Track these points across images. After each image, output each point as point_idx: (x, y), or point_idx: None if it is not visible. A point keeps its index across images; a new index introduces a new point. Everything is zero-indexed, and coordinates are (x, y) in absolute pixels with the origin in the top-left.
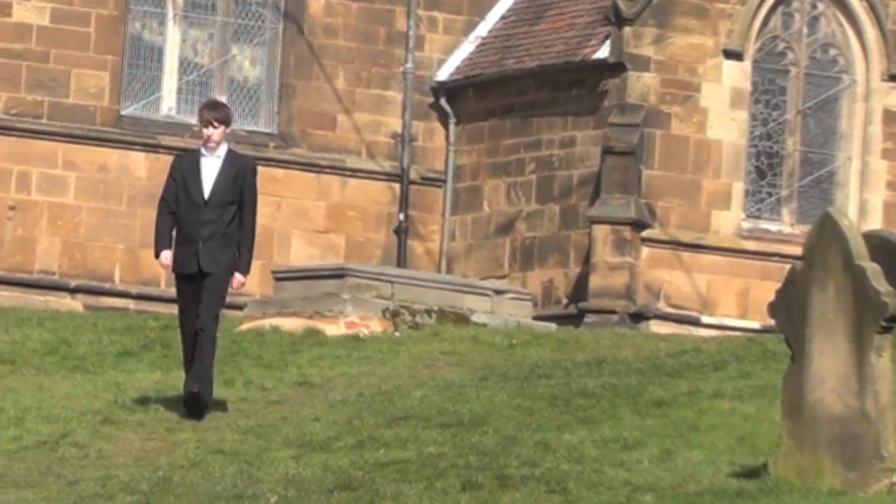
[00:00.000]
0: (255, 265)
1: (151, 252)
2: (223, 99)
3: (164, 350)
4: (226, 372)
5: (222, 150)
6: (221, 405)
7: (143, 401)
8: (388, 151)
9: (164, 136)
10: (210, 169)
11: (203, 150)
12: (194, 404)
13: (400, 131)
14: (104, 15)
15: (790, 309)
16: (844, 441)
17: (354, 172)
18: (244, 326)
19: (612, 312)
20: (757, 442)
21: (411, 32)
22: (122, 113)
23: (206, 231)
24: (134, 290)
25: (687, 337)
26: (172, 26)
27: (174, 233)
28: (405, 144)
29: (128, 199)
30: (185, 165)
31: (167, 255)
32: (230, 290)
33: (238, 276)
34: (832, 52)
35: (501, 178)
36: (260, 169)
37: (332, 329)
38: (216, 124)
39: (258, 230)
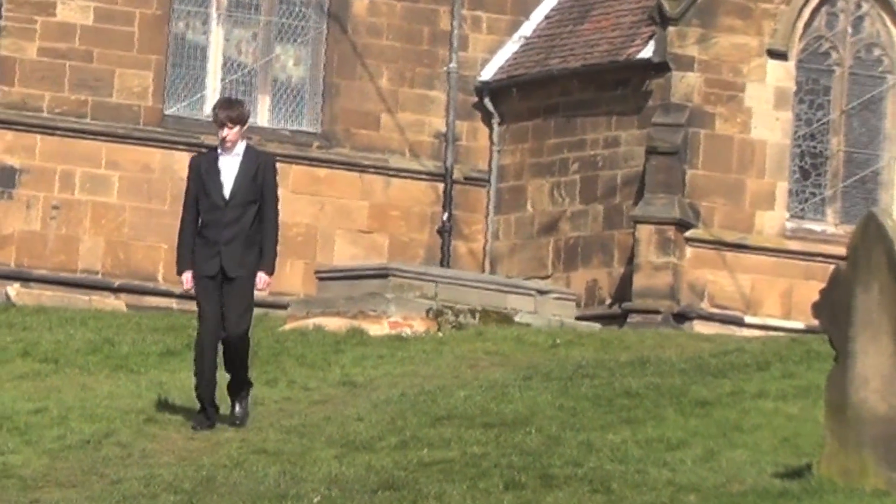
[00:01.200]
0: (299, 265)
1: None
2: (266, 98)
3: None
4: (269, 371)
5: (240, 147)
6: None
7: (187, 400)
8: (432, 151)
9: (208, 135)
10: (229, 168)
11: (220, 150)
12: (231, 420)
13: (444, 131)
14: (148, 14)
15: (834, 309)
16: (888, 441)
17: (398, 172)
18: (287, 326)
19: (656, 312)
20: (801, 442)
21: (455, 32)
22: (166, 112)
23: (229, 233)
24: (177, 289)
25: (730, 337)
26: (216, 26)
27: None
28: (449, 144)
29: (171, 198)
30: (203, 166)
31: (188, 278)
32: (256, 290)
33: (262, 276)
34: (876, 51)
35: (545, 177)
36: (303, 169)
37: (376, 329)
38: (231, 124)
39: (301, 230)
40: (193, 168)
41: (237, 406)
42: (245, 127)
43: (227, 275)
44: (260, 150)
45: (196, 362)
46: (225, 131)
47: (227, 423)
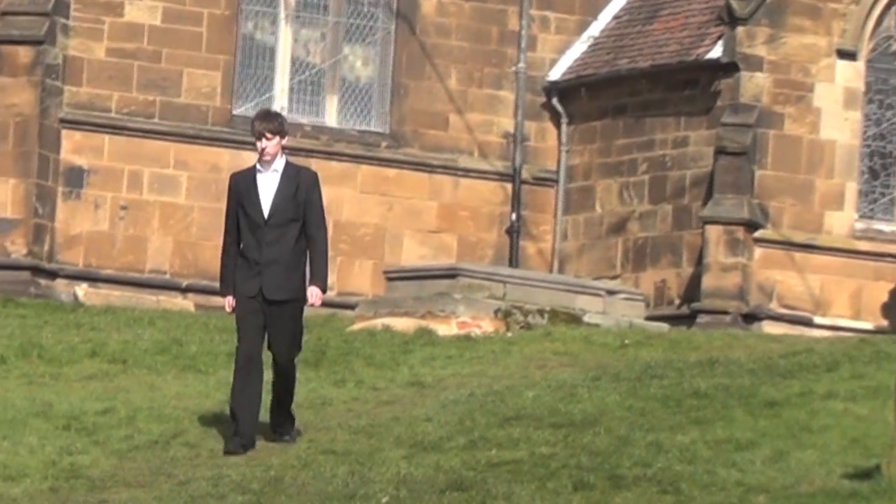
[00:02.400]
0: (367, 265)
1: None
2: (335, 99)
3: None
4: (337, 372)
5: (279, 163)
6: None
7: None
8: (501, 151)
9: None
10: (267, 185)
11: (258, 166)
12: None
13: (512, 131)
14: (216, 14)
15: None
16: None
17: (466, 172)
18: (356, 326)
19: (725, 313)
20: (870, 443)
21: (524, 32)
22: (234, 112)
23: (269, 253)
24: None
25: (800, 338)
26: (284, 26)
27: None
28: (517, 144)
29: None
30: (242, 184)
31: (230, 302)
32: (308, 306)
33: (315, 290)
34: None
35: (614, 178)
36: (372, 169)
37: (444, 329)
38: (269, 136)
39: (369, 230)
40: (232, 187)
41: (286, 437)
42: (284, 139)
43: (267, 298)
44: (301, 167)
45: (235, 381)
46: (264, 142)
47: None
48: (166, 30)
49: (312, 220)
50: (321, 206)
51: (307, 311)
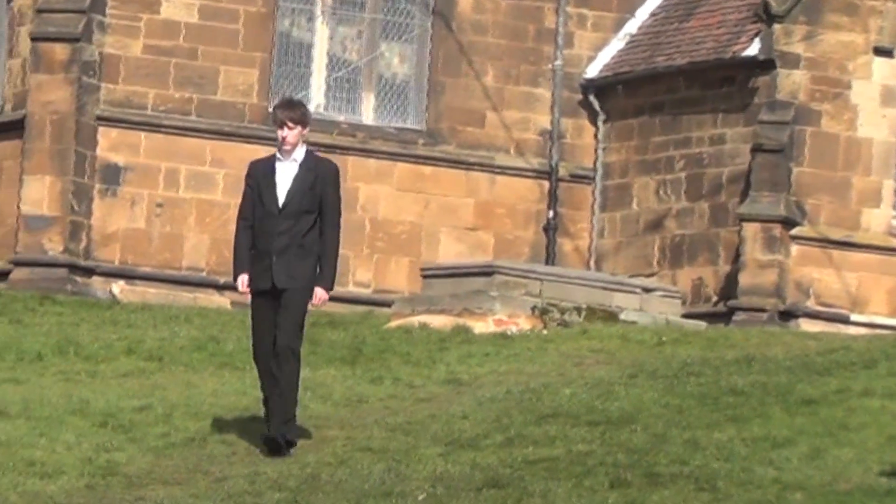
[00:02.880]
0: (404, 262)
1: None
2: (371, 96)
3: (312, 347)
4: (374, 369)
5: (299, 153)
6: (306, 433)
7: None
8: (537, 149)
9: (312, 132)
10: (285, 174)
11: (278, 155)
12: (276, 446)
13: (549, 128)
14: (252, 12)
15: None
16: None
17: (503, 169)
18: (392, 324)
19: (762, 310)
20: None
21: (560, 30)
22: (271, 110)
23: (280, 242)
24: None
25: (836, 335)
26: (321, 23)
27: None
28: (554, 141)
29: None
30: (260, 172)
31: (244, 280)
32: (311, 306)
33: (319, 292)
34: None
35: (651, 175)
36: (408, 166)
37: (481, 326)
38: (291, 124)
39: (405, 227)
40: (251, 173)
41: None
42: (306, 129)
43: (277, 286)
44: (321, 157)
45: (261, 382)
46: (285, 131)
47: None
48: (203, 27)
49: (327, 216)
50: (338, 202)
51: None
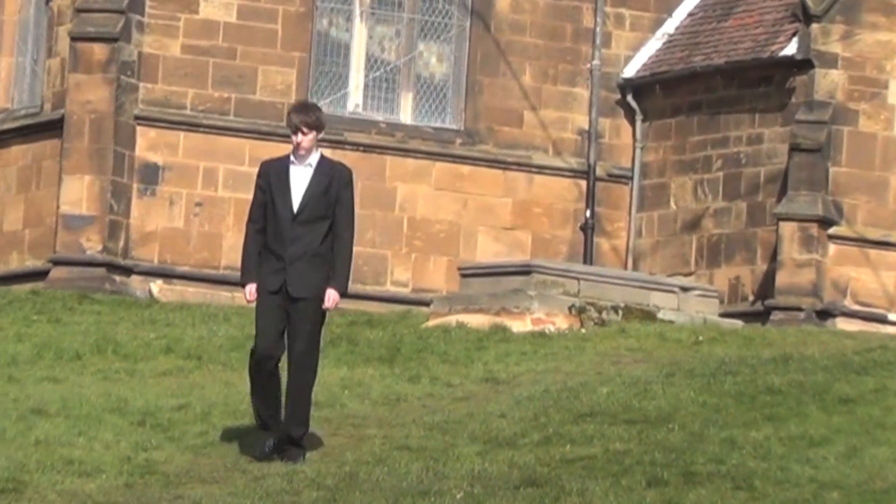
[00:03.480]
0: (442, 262)
1: None
2: (409, 96)
3: (351, 346)
4: (412, 368)
5: (314, 157)
6: (317, 440)
7: (329, 397)
8: (575, 148)
9: (351, 132)
10: (300, 179)
11: (292, 158)
12: (290, 445)
13: (586, 128)
14: (291, 12)
15: None
16: None
17: (541, 169)
18: (430, 323)
19: (799, 309)
20: None
21: (598, 29)
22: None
23: (295, 249)
24: None
25: (874, 334)
26: (359, 23)
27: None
28: (592, 141)
29: None
30: (273, 174)
31: (251, 290)
32: (324, 307)
33: (332, 293)
34: None
35: (688, 174)
36: (446, 166)
37: (519, 325)
38: (306, 130)
39: (443, 227)
40: (262, 175)
41: (296, 448)
42: (321, 134)
43: (290, 294)
44: (335, 162)
45: (253, 383)
46: (300, 136)
47: (282, 458)
48: (241, 27)
49: (342, 219)
50: (352, 205)
51: (376, 307)
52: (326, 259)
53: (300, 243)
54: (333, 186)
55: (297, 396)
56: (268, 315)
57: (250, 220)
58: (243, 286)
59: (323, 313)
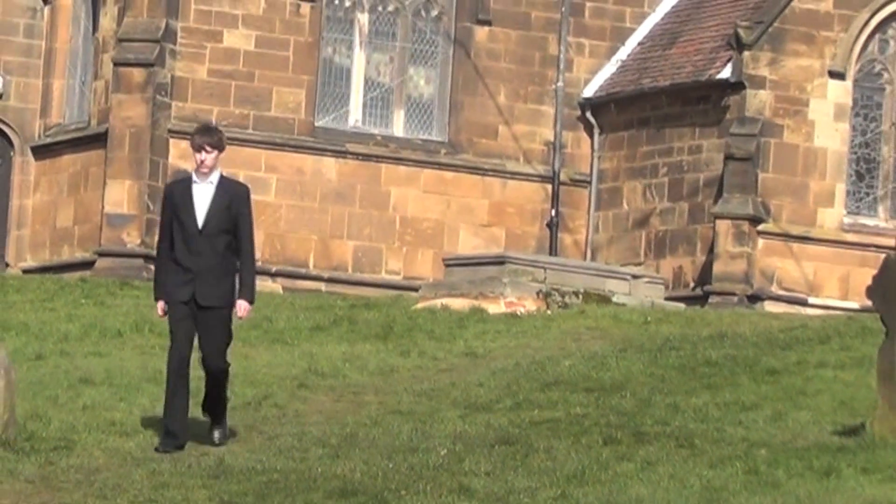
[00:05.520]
0: (429, 254)
1: (340, 243)
2: (401, 112)
3: (351, 325)
4: (403, 344)
5: (215, 176)
6: (234, 434)
7: (334, 369)
8: (542, 157)
9: (352, 143)
10: (203, 195)
11: (195, 177)
12: (178, 441)
13: (552, 140)
14: (301, 41)
15: (885, 292)
16: None
17: (513, 175)
18: (419, 305)
19: (733, 294)
20: (856, 405)
21: (562, 56)
22: (316, 124)
23: (202, 261)
24: (325, 274)
25: (796, 315)
26: (359, 51)
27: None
28: (556, 151)
29: (320, 197)
30: (177, 194)
31: (161, 306)
32: (238, 318)
33: (243, 304)
34: None
35: (638, 179)
36: (433, 172)
37: (494, 308)
38: (209, 149)
39: (430, 224)
40: (168, 196)
41: (216, 431)
42: (222, 154)
43: (199, 304)
44: (234, 180)
45: (168, 386)
46: (203, 155)
47: (207, 443)
48: (259, 54)
49: (243, 232)
50: (251, 220)
51: (372, 292)
52: (230, 270)
53: (206, 256)
54: (234, 203)
55: (214, 395)
56: (179, 324)
57: (161, 239)
58: (156, 301)
59: (230, 319)
